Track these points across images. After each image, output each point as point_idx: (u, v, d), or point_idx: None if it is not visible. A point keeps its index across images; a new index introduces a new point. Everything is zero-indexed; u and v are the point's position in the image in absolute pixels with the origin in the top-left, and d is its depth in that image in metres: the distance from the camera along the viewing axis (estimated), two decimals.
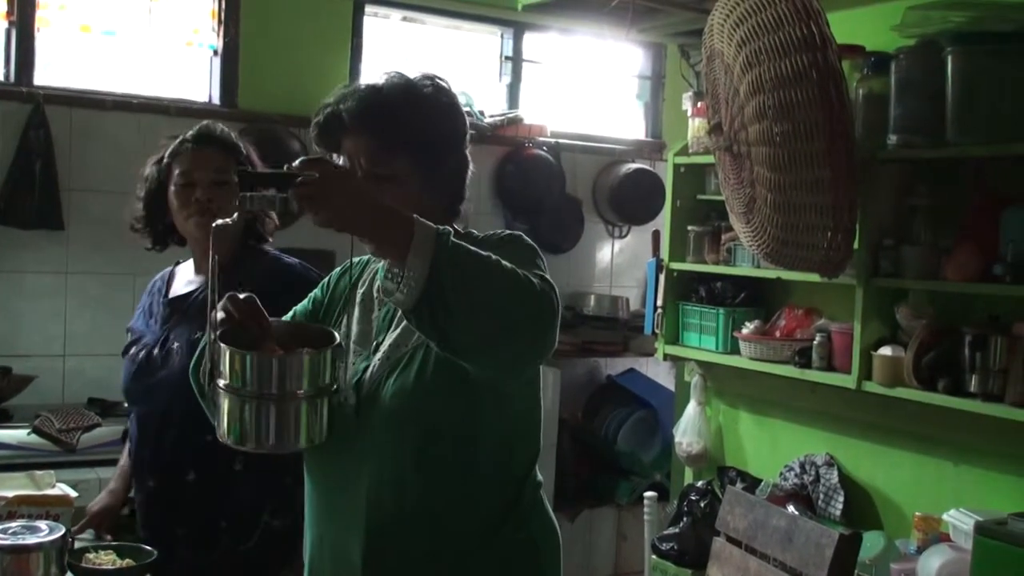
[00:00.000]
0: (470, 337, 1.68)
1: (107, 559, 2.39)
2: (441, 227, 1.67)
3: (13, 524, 2.15)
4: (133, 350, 2.68)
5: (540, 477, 2.05)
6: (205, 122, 2.69)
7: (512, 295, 1.67)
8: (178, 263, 2.83)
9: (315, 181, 1.62)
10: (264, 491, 2.52)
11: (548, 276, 1.78)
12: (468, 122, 2.05)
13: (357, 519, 1.90)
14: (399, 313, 1.87)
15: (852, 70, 3.44)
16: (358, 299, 2.05)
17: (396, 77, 1.97)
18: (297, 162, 1.64)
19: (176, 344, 2.58)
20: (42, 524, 2.17)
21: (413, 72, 1.99)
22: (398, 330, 1.93)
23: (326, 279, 2.18)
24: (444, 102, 1.98)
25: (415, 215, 1.66)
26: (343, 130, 1.93)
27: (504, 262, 1.70)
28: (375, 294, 2.00)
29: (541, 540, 2.01)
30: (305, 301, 2.17)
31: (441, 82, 2.00)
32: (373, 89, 1.94)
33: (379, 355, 1.94)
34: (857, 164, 3.08)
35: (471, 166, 2.04)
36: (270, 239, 2.78)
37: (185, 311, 2.64)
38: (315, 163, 1.65)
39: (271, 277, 2.59)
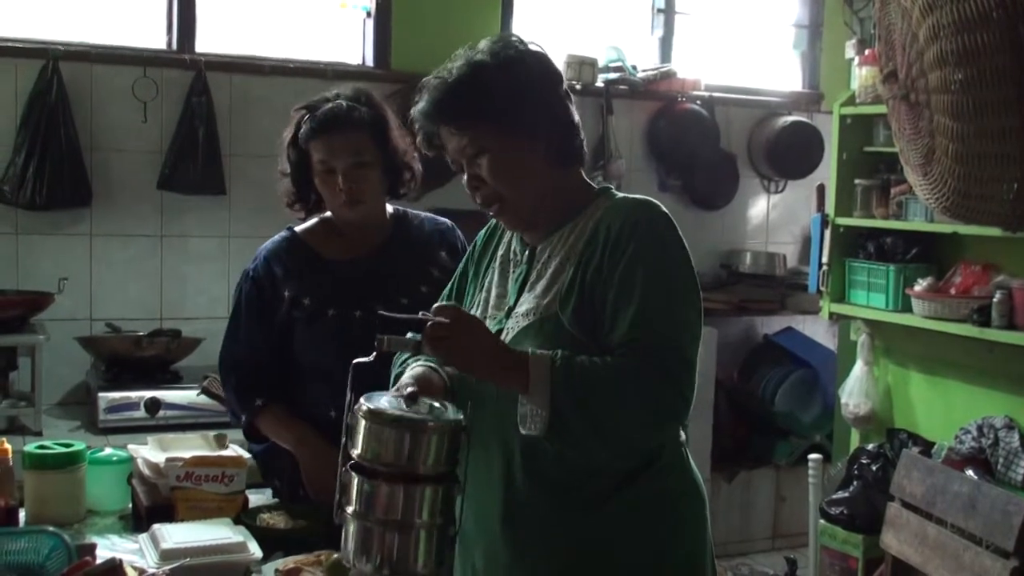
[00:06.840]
0: (599, 452, 1.85)
1: (279, 519, 2.43)
2: (558, 358, 1.79)
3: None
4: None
5: (684, 436, 2.02)
6: (331, 104, 2.53)
7: (632, 411, 1.81)
8: None
9: (445, 326, 1.78)
10: None
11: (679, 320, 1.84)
12: (548, 70, 2.00)
13: (494, 480, 1.96)
14: (531, 276, 1.97)
15: None
16: (497, 261, 2.08)
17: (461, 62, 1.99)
18: (433, 308, 1.82)
19: None
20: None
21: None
22: (532, 293, 1.95)
23: (471, 247, 2.20)
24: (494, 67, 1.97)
25: (532, 354, 1.81)
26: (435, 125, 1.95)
27: (623, 371, 1.79)
28: (511, 256, 2.05)
29: (679, 494, 1.99)
30: (450, 283, 2.20)
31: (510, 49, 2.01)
32: (443, 84, 1.94)
33: (511, 320, 1.96)
34: None
35: (572, 114, 1.98)
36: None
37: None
38: (447, 310, 1.81)
39: (426, 239, 2.69)
